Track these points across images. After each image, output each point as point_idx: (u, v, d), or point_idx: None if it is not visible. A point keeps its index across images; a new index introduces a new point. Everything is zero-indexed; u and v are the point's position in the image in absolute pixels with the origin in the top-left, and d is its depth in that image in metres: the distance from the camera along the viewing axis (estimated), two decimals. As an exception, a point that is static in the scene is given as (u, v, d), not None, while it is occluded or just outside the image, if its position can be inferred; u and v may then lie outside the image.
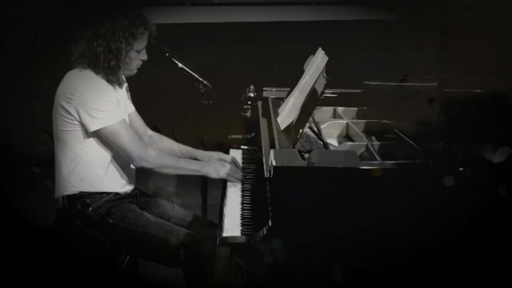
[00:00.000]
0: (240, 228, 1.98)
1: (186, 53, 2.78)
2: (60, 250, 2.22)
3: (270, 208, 1.89)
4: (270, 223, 1.84)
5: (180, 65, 2.65)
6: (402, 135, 2.22)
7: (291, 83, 2.56)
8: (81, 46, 2.16)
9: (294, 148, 2.09)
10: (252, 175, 2.39)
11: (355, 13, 4.65)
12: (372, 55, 3.84)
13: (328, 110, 2.78)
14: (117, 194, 2.27)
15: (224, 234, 1.92)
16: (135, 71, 2.27)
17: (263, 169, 2.10)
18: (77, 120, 2.13)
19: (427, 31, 2.51)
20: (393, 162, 2.00)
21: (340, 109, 2.76)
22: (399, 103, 2.50)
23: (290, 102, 2.38)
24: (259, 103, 2.81)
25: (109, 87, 2.20)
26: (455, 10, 1.94)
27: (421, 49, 2.79)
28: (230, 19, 4.64)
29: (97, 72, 2.17)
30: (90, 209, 2.20)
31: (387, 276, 1.86)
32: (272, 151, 1.93)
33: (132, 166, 2.31)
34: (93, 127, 2.13)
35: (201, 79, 2.71)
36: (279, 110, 2.49)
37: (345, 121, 2.61)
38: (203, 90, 2.72)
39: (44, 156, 2.80)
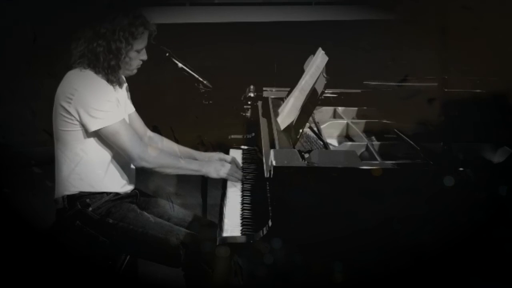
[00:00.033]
0: (240, 228, 1.98)
1: (186, 53, 2.78)
2: (60, 250, 2.22)
3: (270, 208, 1.89)
4: (270, 223, 1.84)
5: (180, 65, 2.65)
6: (402, 135, 2.22)
7: (291, 83, 2.56)
8: (81, 46, 2.16)
9: (294, 148, 2.09)
10: (252, 175, 2.39)
11: (355, 13, 4.65)
12: (372, 55, 3.84)
13: (328, 110, 2.78)
14: (117, 194, 2.27)
15: (224, 234, 1.92)
16: (135, 71, 2.27)
17: (263, 169, 2.10)
18: (77, 120, 2.13)
19: (427, 31, 2.51)
20: (393, 162, 2.00)
21: (340, 109, 2.76)
22: (399, 103, 2.50)
23: (290, 102, 2.38)
24: (259, 103, 2.81)
25: (109, 87, 2.20)
26: (455, 10, 1.94)
27: (421, 49, 2.79)
28: (230, 19, 4.64)
29: (97, 72, 2.17)
30: (90, 209, 2.20)
31: (387, 276, 1.86)
32: (272, 151, 1.93)
33: (132, 166, 2.31)
34: (93, 127, 2.13)
35: (201, 79, 2.71)
36: (279, 110, 2.49)
37: (345, 121, 2.61)
38: (203, 90, 2.72)
39: (44, 156, 2.80)
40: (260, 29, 4.56)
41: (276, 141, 2.18)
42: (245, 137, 2.75)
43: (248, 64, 4.43)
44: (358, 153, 2.17)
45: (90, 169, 2.21)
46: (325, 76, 2.20)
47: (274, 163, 1.83)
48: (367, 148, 2.22)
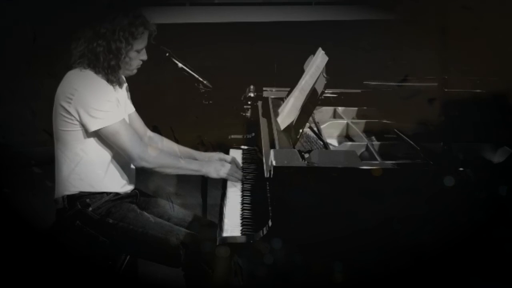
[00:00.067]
0: (240, 228, 1.98)
1: (186, 53, 2.78)
2: (60, 250, 2.22)
3: (270, 208, 1.89)
4: (270, 223, 1.84)
5: (180, 65, 2.65)
6: (402, 135, 2.22)
7: (291, 83, 2.56)
8: (81, 46, 2.16)
9: (294, 148, 2.09)
10: (252, 175, 2.39)
11: (355, 13, 4.65)
12: (372, 55, 3.84)
13: (328, 110, 2.78)
14: (117, 194, 2.27)
15: (224, 234, 1.92)
16: (135, 71, 2.27)
17: (263, 169, 2.10)
18: (77, 120, 2.13)
19: (427, 31, 2.51)
20: (393, 162, 2.00)
21: (340, 109, 2.76)
22: (399, 103, 2.50)
23: (290, 102, 2.38)
24: (259, 103, 2.81)
25: (109, 87, 2.20)
26: (455, 10, 1.94)
27: (421, 49, 2.79)
28: (230, 19, 4.64)
29: (97, 72, 2.17)
30: (90, 209, 2.20)
31: (387, 276, 1.86)
32: (272, 151, 1.93)
33: (132, 166, 2.31)
34: (93, 127, 2.13)
35: (201, 79, 2.71)
36: (279, 110, 2.49)
37: (345, 121, 2.61)
38: (203, 90, 2.72)
39: (44, 156, 2.80)
40: (260, 29, 4.56)
41: (276, 141, 2.18)
42: (245, 137, 2.75)
43: (248, 64, 4.42)
44: (358, 153, 2.17)
45: (90, 169, 2.21)
46: (325, 76, 2.20)
47: (274, 163, 1.83)
48: (367, 148, 2.22)
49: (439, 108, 1.95)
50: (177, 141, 2.55)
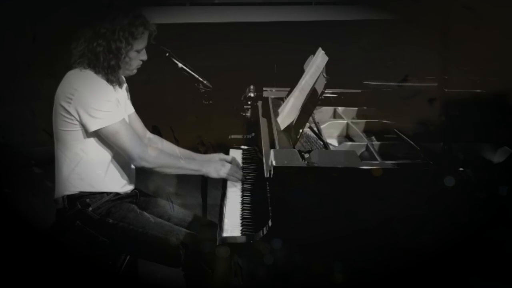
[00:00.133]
0: (240, 228, 1.98)
1: (186, 53, 2.78)
2: (60, 250, 2.22)
3: (270, 208, 1.88)
4: (270, 223, 1.84)
5: (180, 65, 2.65)
6: (402, 135, 2.22)
7: (291, 83, 2.56)
8: (81, 46, 2.16)
9: (294, 148, 2.09)
10: (252, 175, 2.39)
11: (355, 13, 4.65)
12: (372, 55, 3.83)
13: (328, 110, 2.78)
14: (117, 194, 2.27)
15: (224, 234, 1.92)
16: (135, 71, 2.27)
17: (263, 169, 2.10)
18: (77, 120, 2.13)
19: (427, 31, 2.51)
20: (393, 162, 2.00)
21: (340, 109, 2.75)
22: (399, 103, 2.50)
23: (290, 102, 2.38)
24: (259, 103, 2.81)
25: (109, 87, 2.20)
26: (455, 10, 1.94)
27: (421, 49, 2.79)
28: (230, 19, 4.64)
29: (97, 72, 2.17)
30: (90, 209, 2.20)
31: (387, 276, 1.86)
32: (272, 151, 1.93)
33: (132, 166, 2.31)
34: (93, 127, 2.13)
35: (201, 79, 2.71)
36: (279, 110, 2.49)
37: (345, 121, 2.60)
38: (203, 90, 2.72)
39: (44, 156, 2.80)
40: (260, 29, 4.56)
41: (276, 141, 2.18)
42: (245, 137, 2.75)
43: (248, 64, 4.42)
44: (358, 153, 2.17)
45: (90, 169, 2.21)
46: (325, 76, 2.20)
47: (274, 163, 1.83)
48: (367, 148, 2.22)
49: (439, 108, 1.95)
50: (177, 141, 2.55)
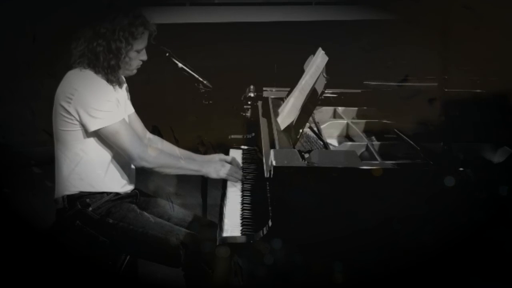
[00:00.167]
0: (240, 228, 1.98)
1: (186, 53, 2.78)
2: (60, 250, 2.22)
3: (270, 208, 1.88)
4: (270, 223, 1.84)
5: (180, 65, 2.65)
6: (402, 135, 2.22)
7: (291, 83, 2.56)
8: (81, 46, 2.16)
9: (294, 148, 2.09)
10: (252, 175, 2.38)
11: (355, 13, 4.65)
12: (372, 55, 3.83)
13: (328, 110, 2.78)
14: (117, 194, 2.27)
15: (224, 234, 1.92)
16: (135, 71, 2.27)
17: (263, 169, 2.10)
18: (77, 120, 2.13)
19: (427, 31, 2.51)
20: (393, 162, 2.00)
21: (340, 109, 2.75)
22: (399, 103, 2.50)
23: (290, 102, 2.38)
24: (259, 103, 2.81)
25: (109, 87, 2.20)
26: (455, 10, 1.94)
27: (421, 49, 2.79)
28: (230, 19, 4.64)
29: (97, 72, 2.17)
30: (90, 209, 2.20)
31: (387, 276, 1.86)
32: (272, 151, 1.93)
33: (132, 166, 2.31)
34: (93, 127, 2.13)
35: (201, 79, 2.71)
36: (279, 110, 2.49)
37: (345, 121, 2.60)
38: (203, 90, 2.72)
39: (44, 156, 2.80)
40: (260, 29, 4.56)
41: (276, 141, 2.18)
42: (245, 137, 2.75)
43: (248, 64, 4.42)
44: (358, 153, 2.17)
45: (90, 169, 2.21)
46: (325, 76, 2.20)
47: (274, 163, 1.83)
48: (367, 148, 2.22)
49: (439, 108, 1.95)
50: (177, 141, 2.55)
